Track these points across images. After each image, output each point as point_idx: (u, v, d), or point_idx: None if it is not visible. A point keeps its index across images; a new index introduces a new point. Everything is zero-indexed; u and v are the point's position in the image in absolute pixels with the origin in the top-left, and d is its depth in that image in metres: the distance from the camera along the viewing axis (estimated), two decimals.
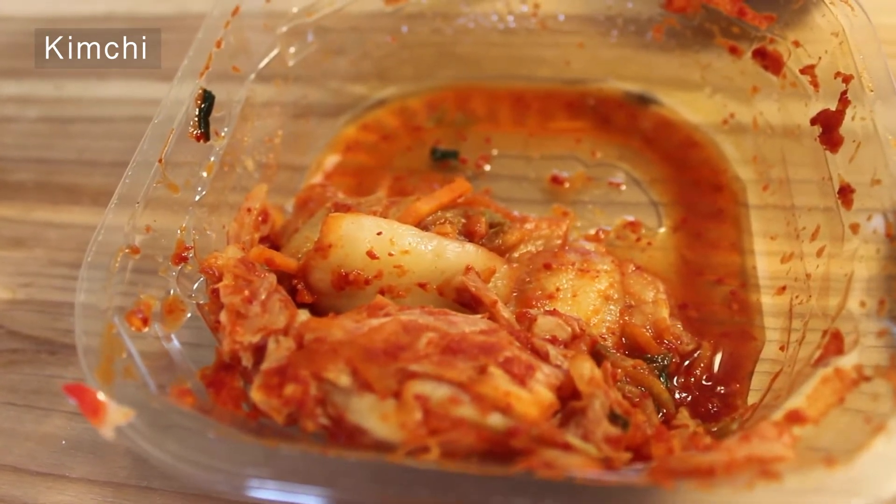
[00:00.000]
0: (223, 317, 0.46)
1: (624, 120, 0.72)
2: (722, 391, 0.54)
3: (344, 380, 0.42)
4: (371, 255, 0.51)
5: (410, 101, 0.75)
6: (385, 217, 0.56)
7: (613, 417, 0.43)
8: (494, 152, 0.71)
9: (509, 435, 0.41)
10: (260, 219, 0.59)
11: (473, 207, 0.59)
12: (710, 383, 0.55)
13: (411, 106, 0.75)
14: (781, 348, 0.55)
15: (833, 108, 0.55)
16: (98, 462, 0.56)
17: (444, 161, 0.70)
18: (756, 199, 0.64)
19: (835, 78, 0.55)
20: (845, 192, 0.52)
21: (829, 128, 0.55)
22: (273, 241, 0.61)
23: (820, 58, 0.58)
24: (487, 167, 0.70)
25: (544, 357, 0.47)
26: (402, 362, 0.43)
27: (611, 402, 0.44)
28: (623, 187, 0.67)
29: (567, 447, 0.40)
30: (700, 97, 0.71)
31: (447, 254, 0.53)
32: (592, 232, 0.64)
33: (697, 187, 0.66)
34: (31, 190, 0.74)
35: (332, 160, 0.71)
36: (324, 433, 0.43)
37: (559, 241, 0.59)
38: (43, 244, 0.69)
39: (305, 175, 0.70)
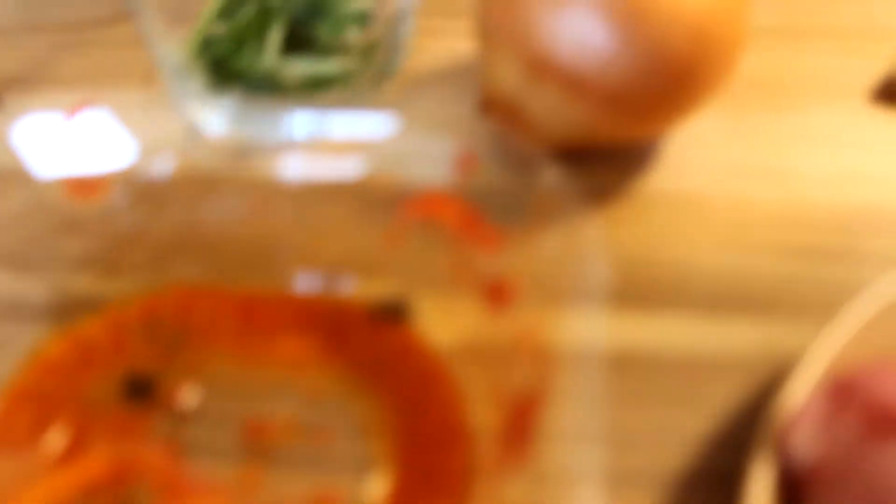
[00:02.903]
0: None
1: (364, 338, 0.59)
2: None
3: None
4: None
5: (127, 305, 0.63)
6: None
7: None
8: (198, 384, 0.58)
9: None
10: None
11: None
12: None
13: (126, 312, 0.63)
14: None
15: None
16: None
17: (137, 394, 0.58)
18: None
19: None
20: None
21: None
22: None
23: None
24: (185, 403, 0.58)
25: None
26: None
27: None
28: (336, 437, 0.54)
29: None
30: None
31: None
32: None
33: (430, 439, 0.53)
34: None
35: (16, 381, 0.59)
36: None
37: None
38: None
39: None
